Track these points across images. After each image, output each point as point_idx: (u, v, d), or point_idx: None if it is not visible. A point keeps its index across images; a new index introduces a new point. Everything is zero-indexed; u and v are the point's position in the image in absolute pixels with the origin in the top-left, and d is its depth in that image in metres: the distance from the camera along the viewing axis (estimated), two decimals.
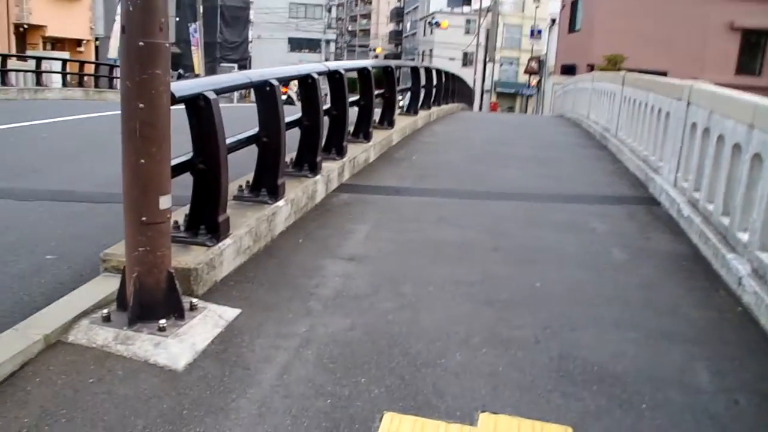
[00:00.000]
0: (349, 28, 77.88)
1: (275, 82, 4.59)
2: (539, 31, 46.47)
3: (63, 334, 2.98)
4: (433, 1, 69.54)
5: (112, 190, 5.75)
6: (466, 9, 68.70)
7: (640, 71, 22.65)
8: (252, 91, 4.72)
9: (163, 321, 3.00)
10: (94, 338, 2.96)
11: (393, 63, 9.57)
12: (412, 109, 11.80)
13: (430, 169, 7.74)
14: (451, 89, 17.83)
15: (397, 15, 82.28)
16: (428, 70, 13.52)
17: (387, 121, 9.24)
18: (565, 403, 2.77)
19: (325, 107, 6.05)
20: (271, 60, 59.14)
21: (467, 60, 64.66)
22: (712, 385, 3.03)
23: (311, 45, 62.20)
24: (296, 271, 4.04)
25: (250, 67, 55.55)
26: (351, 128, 7.60)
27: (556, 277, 4.30)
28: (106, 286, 3.37)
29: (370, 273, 4.13)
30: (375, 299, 3.70)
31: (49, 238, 4.53)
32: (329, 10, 64.50)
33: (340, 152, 6.58)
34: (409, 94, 12.16)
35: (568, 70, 30.53)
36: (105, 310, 3.09)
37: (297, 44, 61.94)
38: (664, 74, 27.01)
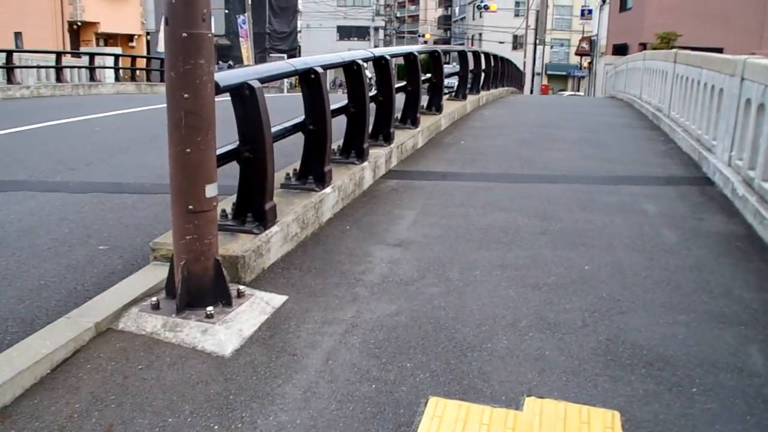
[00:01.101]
0: (398, 15, 77.54)
1: (320, 70, 4.61)
2: (590, 11, 45.41)
3: (113, 322, 3.07)
4: None
5: (162, 181, 5.92)
6: None
7: (694, 49, 22.14)
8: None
9: (210, 308, 3.06)
10: (143, 325, 3.05)
11: (441, 48, 9.51)
12: (460, 94, 11.71)
13: (479, 153, 7.68)
14: (500, 73, 17.64)
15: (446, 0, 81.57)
16: (476, 54, 13.38)
17: (435, 106, 9.20)
18: (612, 387, 2.73)
19: (371, 94, 6.07)
20: (321, 49, 59.23)
21: (517, 43, 63.76)
22: (765, 368, 2.95)
23: (360, 33, 62.21)
24: (343, 258, 4.08)
25: (299, 57, 55.97)
26: (398, 114, 7.60)
27: (605, 260, 4.23)
28: (155, 274, 3.46)
29: (416, 258, 4.13)
30: (421, 284, 3.70)
31: (102, 229, 4.68)
32: None
33: (388, 138, 6.58)
34: (457, 78, 12.06)
35: (620, 50, 29.80)
36: (154, 298, 3.17)
37: (346, 32, 62.04)
38: (720, 51, 26.17)
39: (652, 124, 10.70)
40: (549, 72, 57.92)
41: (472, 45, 70.15)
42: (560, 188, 6.16)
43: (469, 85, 12.39)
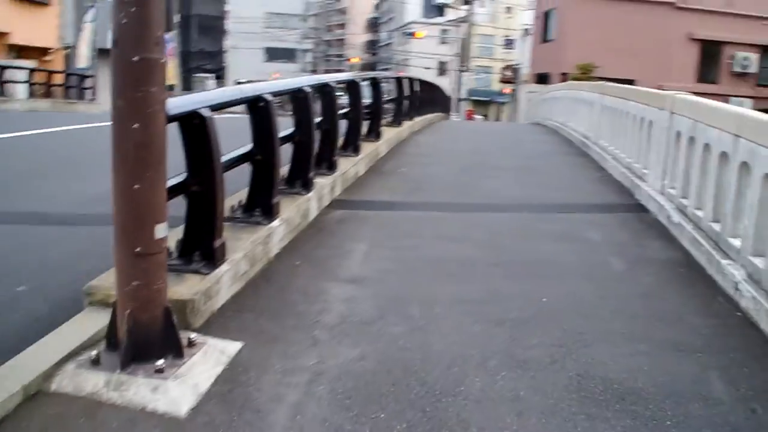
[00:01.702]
0: (325, 38, 77.78)
1: (269, 97, 4.44)
2: (512, 41, 46.78)
3: (45, 383, 2.68)
4: (409, 12, 69.78)
5: (88, 211, 5.57)
6: (440, 19, 69.07)
7: (610, 79, 23.07)
8: None
9: (160, 361, 2.77)
10: (82, 385, 2.68)
11: (380, 74, 9.46)
12: (396, 120, 11.69)
13: (420, 181, 7.62)
14: (430, 99, 17.80)
15: (373, 25, 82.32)
16: (411, 81, 13.43)
17: (374, 133, 9.11)
18: (591, 426, 2.68)
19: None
20: (248, 70, 58.75)
21: (442, 69, 64.93)
22: (728, 395, 2.99)
23: (288, 55, 61.95)
24: (297, 297, 3.88)
25: (225, 78, 55.25)
26: (339, 141, 7.46)
27: (560, 291, 4.21)
28: (92, 323, 3.10)
29: (374, 295, 3.98)
30: (383, 324, 3.55)
31: (21, 267, 4.31)
32: (305, 20, 64.31)
33: (331, 167, 6.44)
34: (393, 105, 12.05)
35: (542, 78, 30.78)
36: (93, 352, 2.81)
37: (273, 54, 61.64)
38: (632, 82, 27.41)
39: (581, 152, 10.94)
40: (473, 97, 59.12)
41: (399, 70, 71.04)
42: (505, 217, 6.15)
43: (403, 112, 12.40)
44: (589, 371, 3.12)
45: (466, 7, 41.55)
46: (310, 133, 5.50)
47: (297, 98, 5.39)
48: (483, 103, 64.05)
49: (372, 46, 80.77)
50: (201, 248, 3.62)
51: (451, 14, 65.89)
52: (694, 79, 28.58)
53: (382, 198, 6.68)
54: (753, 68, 28.79)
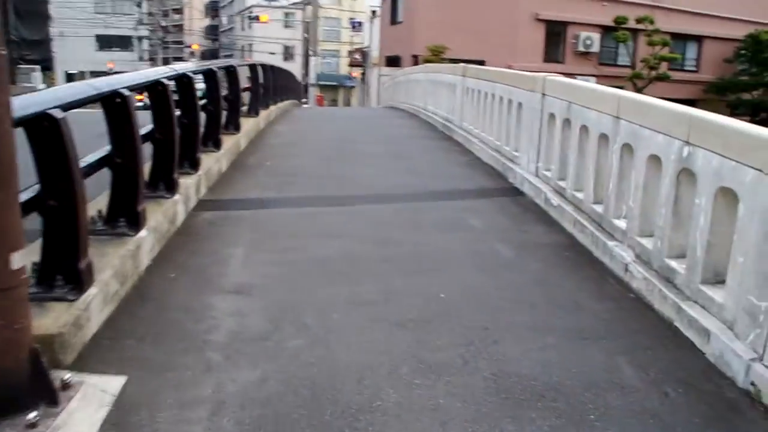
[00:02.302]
0: (163, 24, 74.17)
1: (127, 93, 3.96)
2: (360, 24, 46.92)
3: None
4: None
5: None
6: (283, 2, 67.95)
7: (461, 60, 23.60)
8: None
9: (32, 414, 2.33)
10: None
11: (235, 62, 8.97)
12: (253, 110, 11.20)
13: (289, 175, 7.29)
14: (284, 86, 17.35)
15: (212, 9, 79.52)
16: (264, 68, 12.95)
17: (233, 125, 8.63)
18: (519, 428, 2.57)
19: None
20: (79, 60, 54.59)
21: (288, 54, 64.08)
22: (639, 380, 3.03)
23: (122, 43, 58.24)
24: (180, 315, 3.49)
25: (53, 68, 51.11)
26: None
27: (455, 284, 4.11)
28: None
29: (263, 306, 3.67)
30: (279, 338, 3.26)
31: None
32: (139, 5, 60.73)
33: (195, 165, 5.97)
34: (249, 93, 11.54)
35: (393, 61, 31.06)
36: None
37: (106, 42, 57.64)
38: (482, 63, 28.34)
39: (444, 135, 11.05)
40: (321, 82, 59.00)
41: (243, 56, 69.24)
42: (384, 208, 6.00)
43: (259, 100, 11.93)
44: (504, 369, 3.02)
45: None
46: (172, 130, 5.03)
47: (156, 92, 4.90)
48: (331, 87, 64.01)
49: (213, 31, 78.18)
50: (64, 271, 3.14)
51: None
52: (540, 58, 29.93)
53: (253, 195, 6.30)
54: (595, 48, 30.58)
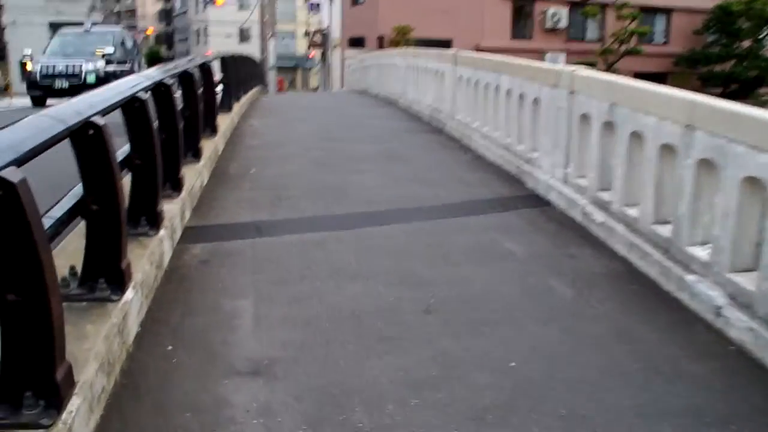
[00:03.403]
0: (115, 9, 71.37)
1: (101, 121, 3.07)
2: (317, 4, 45.54)
3: None
4: None
5: None
6: None
7: (428, 41, 22.75)
8: None
9: None
10: None
11: (207, 58, 8.00)
12: (226, 106, 10.24)
13: (279, 187, 6.40)
14: (249, 74, 16.33)
15: None
16: (233, 59, 11.95)
17: (210, 127, 7.69)
18: None
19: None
20: (32, 48, 52.23)
21: (244, 36, 62.38)
22: None
23: None
24: (188, 420, 2.64)
25: (7, 59, 48.83)
26: None
27: (522, 345, 3.35)
28: None
29: (295, 396, 2.83)
30: None
31: None
32: None
33: (178, 186, 5.07)
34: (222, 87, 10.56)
35: (357, 42, 30.07)
36: None
37: (59, 29, 55.47)
38: (449, 43, 27.55)
39: (433, 128, 10.23)
40: (278, 64, 57.62)
41: (198, 39, 67.22)
42: (398, 230, 5.19)
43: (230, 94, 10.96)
44: None
45: None
46: (153, 153, 4.13)
47: (132, 110, 3.99)
48: (289, 69, 62.63)
49: (166, 15, 75.83)
50: (36, 386, 2.27)
51: None
52: (509, 36, 29.27)
53: (244, 218, 5.42)
54: (563, 23, 29.98)
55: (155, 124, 4.66)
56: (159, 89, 4.79)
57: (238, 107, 11.37)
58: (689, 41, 30.89)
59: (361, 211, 5.64)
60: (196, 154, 6.29)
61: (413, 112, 12.22)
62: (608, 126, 4.99)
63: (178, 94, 5.72)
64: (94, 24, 21.96)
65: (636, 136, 4.58)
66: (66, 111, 2.97)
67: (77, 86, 15.06)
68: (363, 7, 30.09)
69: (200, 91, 7.23)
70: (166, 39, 76.18)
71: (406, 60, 13.35)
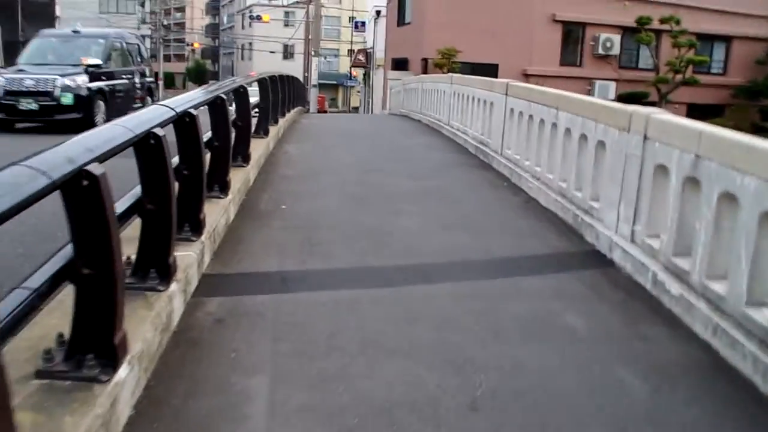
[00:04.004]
0: (165, 23, 72.59)
1: (98, 170, 2.54)
2: (363, 23, 45.44)
3: None
4: None
5: None
6: (284, 1, 66.81)
7: (472, 64, 22.06)
8: None
9: None
10: None
11: (243, 81, 7.54)
12: (262, 130, 9.80)
13: (311, 227, 5.85)
14: (291, 94, 15.95)
15: (213, 7, 78.16)
16: (273, 80, 11.52)
17: (242, 156, 7.22)
18: None
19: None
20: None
21: (288, 53, 62.82)
22: None
23: None
24: None
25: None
26: None
27: None
28: None
29: None
30: None
31: None
32: (143, 5, 59.99)
33: (198, 227, 4.56)
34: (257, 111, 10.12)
35: (400, 63, 29.64)
36: None
37: None
38: (496, 67, 26.92)
39: (481, 162, 9.64)
40: (320, 81, 57.89)
41: (242, 54, 67.87)
42: (443, 291, 4.57)
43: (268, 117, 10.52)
44: None
45: None
46: (168, 198, 3.62)
47: (147, 148, 3.48)
48: (331, 86, 62.79)
49: (213, 30, 76.92)
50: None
51: None
52: (557, 62, 28.51)
53: (269, 266, 4.87)
54: (615, 50, 29.08)
55: (174, 160, 4.19)
56: (183, 120, 4.29)
57: (275, 131, 10.94)
58: (750, 71, 29.58)
59: (401, 264, 5.05)
60: (224, 188, 5.78)
61: (459, 141, 11.66)
62: (691, 182, 4.34)
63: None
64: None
65: (727, 198, 3.92)
66: (54, 159, 2.45)
67: (48, 108, 12.48)
68: (409, 28, 29.65)
69: (233, 117, 6.78)
70: (212, 53, 77.17)
71: (453, 86, 12.81)
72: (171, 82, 73.59)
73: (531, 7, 27.32)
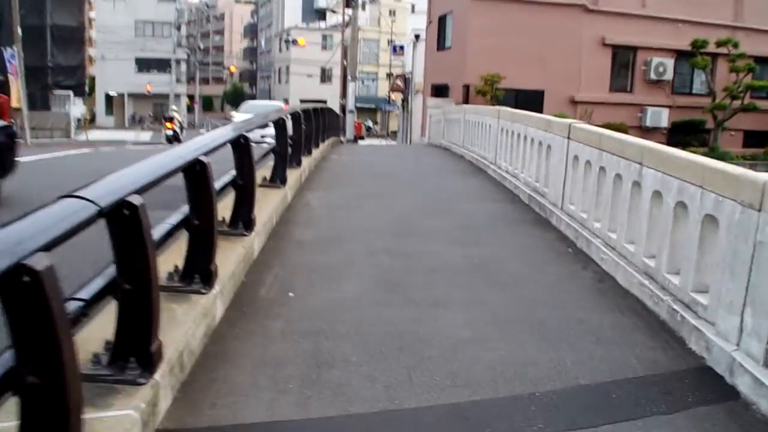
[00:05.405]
0: (201, 46, 72.90)
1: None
2: (402, 47, 44.35)
3: None
4: (288, 17, 66.50)
5: None
6: (321, 24, 66.43)
7: (518, 91, 20.44)
8: None
9: None
10: None
11: (244, 128, 6.15)
12: (278, 178, 8.43)
13: (324, 335, 4.35)
14: (322, 127, 14.67)
15: (251, 31, 78.26)
16: (295, 116, 10.19)
17: (243, 221, 5.79)
18: None
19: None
20: (118, 82, 54.53)
21: (325, 76, 62.21)
22: None
23: (161, 65, 58.45)
24: None
25: (88, 92, 49.98)
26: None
27: None
28: None
29: None
30: None
31: None
32: (178, 28, 60.38)
33: (147, 360, 3.12)
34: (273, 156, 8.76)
35: (441, 90, 28.30)
36: None
37: (145, 64, 58.25)
38: (542, 93, 25.33)
39: (537, 217, 8.12)
40: (358, 104, 57.14)
41: (278, 78, 67.48)
42: None
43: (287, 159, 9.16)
44: None
45: (348, 11, 38.44)
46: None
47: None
48: (368, 110, 61.95)
49: (251, 53, 76.90)
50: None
51: (331, 18, 63.37)
52: (607, 88, 26.85)
53: (256, 413, 3.35)
54: (668, 75, 27.31)
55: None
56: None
57: (296, 175, 9.56)
58: None
59: (443, 402, 3.54)
60: (207, 279, 4.37)
61: (508, 186, 10.17)
62: None
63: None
64: None
65: None
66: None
67: None
68: (449, 53, 28.26)
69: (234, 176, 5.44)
70: (250, 77, 77.08)
71: (501, 122, 11.32)
72: (209, 105, 73.63)
73: (579, 30, 25.74)
